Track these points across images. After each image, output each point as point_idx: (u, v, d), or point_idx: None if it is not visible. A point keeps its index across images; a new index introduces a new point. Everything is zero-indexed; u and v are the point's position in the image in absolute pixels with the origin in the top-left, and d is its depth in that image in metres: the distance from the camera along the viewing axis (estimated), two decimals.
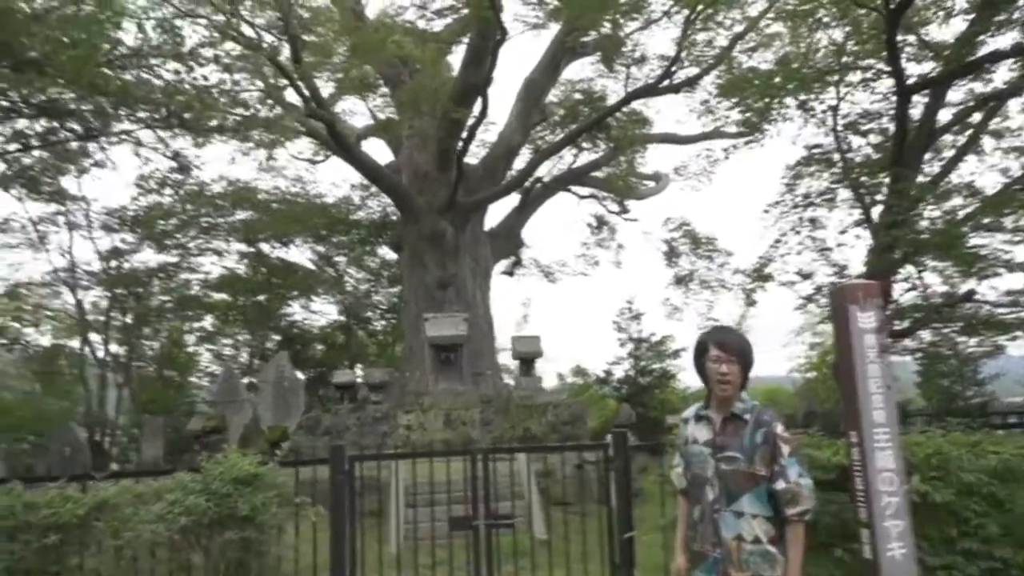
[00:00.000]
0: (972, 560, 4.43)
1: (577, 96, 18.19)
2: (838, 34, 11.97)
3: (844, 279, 11.46)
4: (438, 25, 17.37)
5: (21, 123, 14.08)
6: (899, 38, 9.63)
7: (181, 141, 18.08)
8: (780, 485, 3.03)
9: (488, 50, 15.31)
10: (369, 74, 17.56)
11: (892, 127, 10.66)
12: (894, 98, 10.13)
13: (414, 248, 17.76)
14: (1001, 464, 4.56)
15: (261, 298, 22.82)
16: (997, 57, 8.81)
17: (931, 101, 10.07)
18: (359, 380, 15.28)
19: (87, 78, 10.41)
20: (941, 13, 9.73)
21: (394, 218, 20.63)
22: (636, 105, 19.04)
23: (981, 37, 9.21)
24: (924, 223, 9.46)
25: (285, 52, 15.78)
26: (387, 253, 22.70)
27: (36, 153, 17.96)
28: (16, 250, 19.96)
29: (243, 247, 22.09)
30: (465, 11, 15.72)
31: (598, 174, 20.57)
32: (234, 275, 22.47)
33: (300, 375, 16.69)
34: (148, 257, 21.17)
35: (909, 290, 9.60)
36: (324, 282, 23.39)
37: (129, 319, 22.70)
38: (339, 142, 16.87)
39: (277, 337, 22.87)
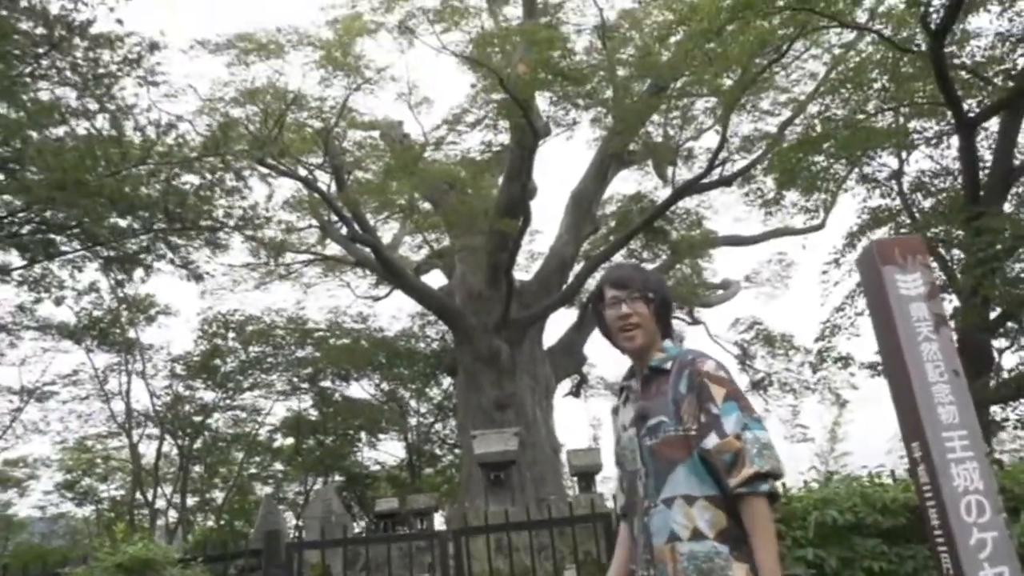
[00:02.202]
0: None
1: (622, 203, 17.71)
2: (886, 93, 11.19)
3: None
4: (473, 139, 17.60)
5: (90, 274, 14.59)
6: (951, 75, 8.76)
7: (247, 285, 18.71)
8: (710, 442, 1.92)
9: (528, 159, 15.24)
10: (413, 197, 17.70)
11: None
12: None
13: (469, 369, 17.00)
14: None
15: (327, 439, 22.32)
16: None
17: (1002, 134, 8.92)
18: (407, 508, 14.10)
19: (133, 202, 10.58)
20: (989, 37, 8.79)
21: (452, 344, 20.14)
22: (692, 207, 18.45)
23: None
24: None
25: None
26: (450, 384, 22.04)
27: (106, 305, 18.67)
28: (86, 401, 20.26)
29: (306, 386, 21.87)
30: (488, 122, 15.78)
31: None
32: (299, 416, 22.16)
33: (346, 509, 15.63)
34: (210, 398, 21.12)
35: (1013, 349, 8.01)
36: (389, 419, 22.74)
37: (199, 469, 22.54)
38: (388, 267, 16.77)
39: (341, 479, 22.04)
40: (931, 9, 8.12)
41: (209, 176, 11.63)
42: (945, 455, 2.82)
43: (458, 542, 4.31)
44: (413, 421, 23.15)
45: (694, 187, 15.79)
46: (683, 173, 16.90)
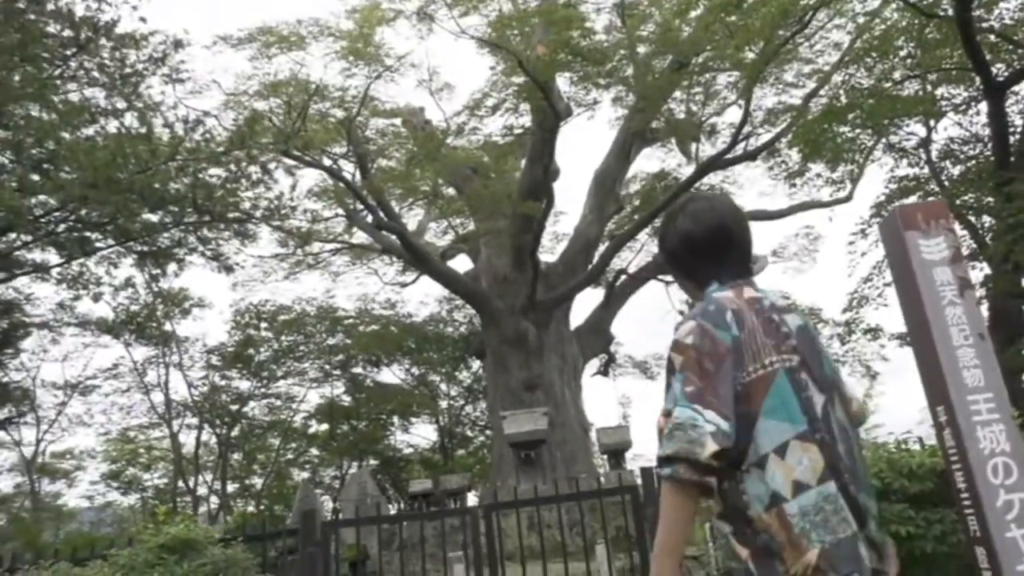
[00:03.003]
0: None
1: (646, 182, 17.62)
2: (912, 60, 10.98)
3: None
4: (494, 123, 17.60)
5: (125, 270, 14.89)
6: (978, 39, 8.58)
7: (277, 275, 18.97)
8: (657, 422, 1.86)
9: (550, 141, 15.24)
10: (437, 183, 17.77)
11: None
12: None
13: (497, 352, 17.13)
14: None
15: (360, 424, 22.67)
16: None
17: None
18: (440, 488, 14.33)
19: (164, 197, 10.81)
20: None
21: (479, 327, 20.29)
22: (716, 183, 18.29)
23: None
24: None
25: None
26: (479, 367, 22.22)
27: (142, 300, 19.05)
28: (126, 394, 20.78)
29: (338, 372, 22.20)
30: (509, 106, 15.76)
31: None
32: (332, 403, 22.51)
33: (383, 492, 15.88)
34: (245, 387, 21.54)
35: None
36: (420, 403, 23.00)
37: (238, 456, 23.04)
38: (414, 253, 16.91)
39: (375, 462, 22.39)
40: None
41: (235, 169, 11.82)
42: (971, 418, 2.84)
43: (488, 518, 4.41)
44: (444, 404, 23.41)
45: (718, 163, 15.66)
46: (707, 149, 16.77)
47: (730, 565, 1.80)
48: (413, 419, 23.26)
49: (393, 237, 16.82)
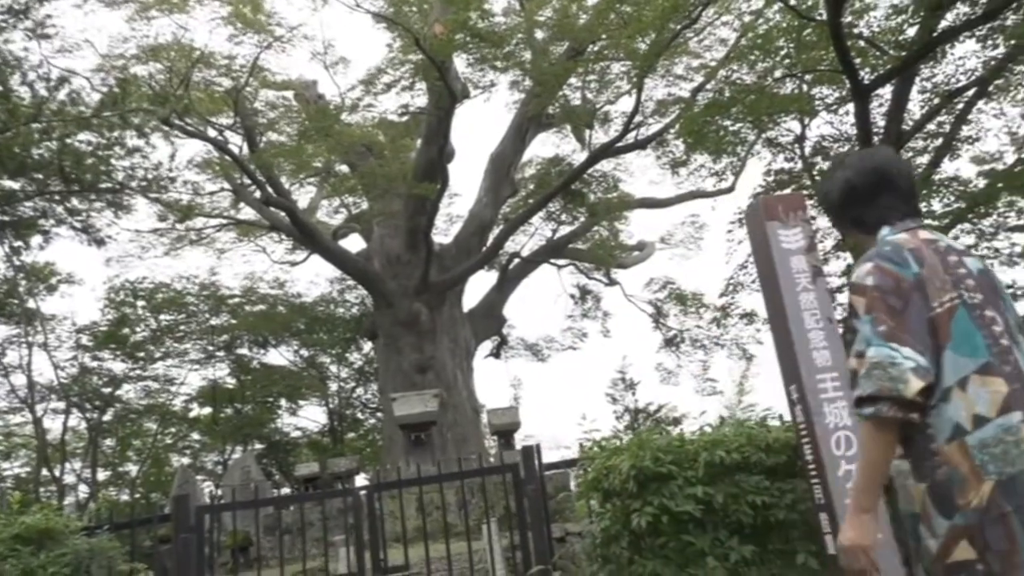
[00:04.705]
0: None
1: (541, 166, 17.85)
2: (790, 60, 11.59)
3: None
4: (390, 101, 17.37)
5: None
6: (848, 44, 9.15)
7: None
8: (849, 364, 1.92)
9: (446, 121, 15.14)
10: (330, 160, 17.31)
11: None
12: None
13: (389, 334, 16.97)
14: None
15: (246, 408, 21.92)
16: (951, 35, 8.21)
17: (894, 103, 9.43)
18: (328, 472, 14.08)
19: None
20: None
21: (371, 309, 20.01)
22: (609, 170, 18.73)
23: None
24: None
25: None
26: (370, 349, 21.93)
27: (1, 274, 17.64)
28: None
29: (222, 353, 21.34)
30: (405, 84, 15.56)
31: (580, 246, 19.97)
32: (215, 385, 21.64)
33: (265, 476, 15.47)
34: (119, 369, 20.35)
35: None
36: (309, 385, 22.47)
37: (110, 442, 21.81)
38: (304, 231, 16.45)
39: (261, 446, 21.72)
40: None
41: (108, 135, 11.09)
42: (819, 395, 3.07)
43: (372, 498, 4.38)
44: (334, 386, 23.00)
45: (610, 150, 16.02)
46: (600, 136, 17.11)
47: (905, 509, 1.85)
48: (301, 402, 22.71)
49: (282, 214, 16.29)
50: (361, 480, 14.82)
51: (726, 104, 11.11)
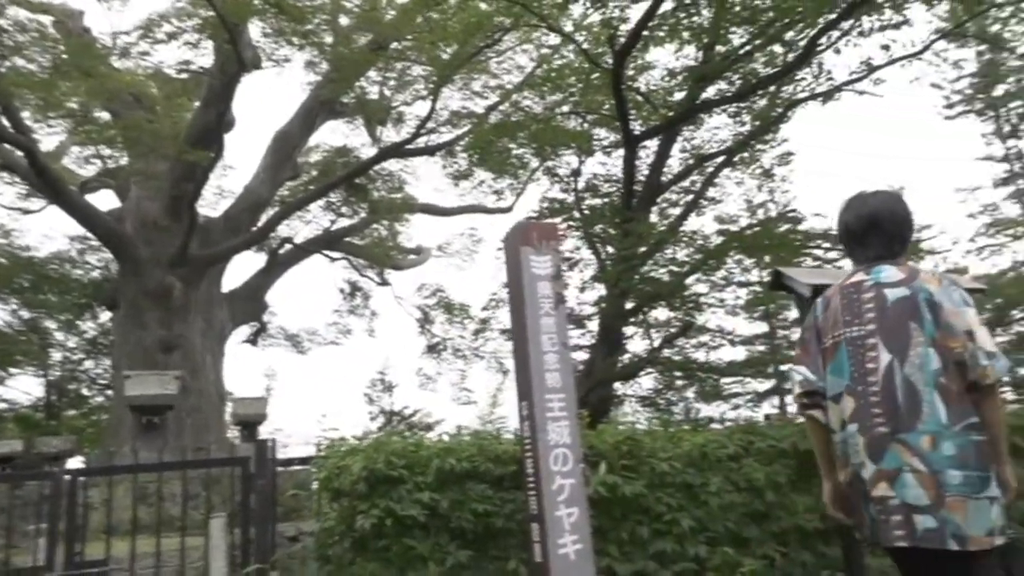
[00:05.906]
0: (667, 564, 3.75)
1: (327, 154, 17.38)
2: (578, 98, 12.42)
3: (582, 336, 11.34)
4: (170, 54, 15.97)
5: None
6: (627, 95, 10.01)
7: None
8: None
9: (229, 88, 14.20)
10: (89, 104, 15.43)
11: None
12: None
13: (133, 305, 15.44)
14: (696, 450, 4.01)
15: None
16: (708, 106, 9.30)
17: (657, 156, 10.46)
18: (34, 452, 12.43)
19: None
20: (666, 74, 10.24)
21: (115, 275, 18.08)
22: (396, 170, 18.68)
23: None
24: (657, 272, 9.54)
25: None
26: (108, 319, 19.79)
27: None
28: None
29: None
30: (189, 40, 14.43)
31: (356, 241, 19.66)
32: None
33: None
34: None
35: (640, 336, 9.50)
36: (26, 352, 19.71)
37: None
38: (44, 177, 14.48)
39: None
40: (618, 33, 9.21)
41: None
42: (546, 413, 3.30)
43: (74, 485, 3.94)
44: (58, 356, 20.42)
45: (400, 151, 16.01)
46: (392, 135, 17.03)
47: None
48: (13, 369, 19.84)
49: (20, 153, 14.21)
50: (77, 462, 13.29)
51: (513, 127, 11.64)
